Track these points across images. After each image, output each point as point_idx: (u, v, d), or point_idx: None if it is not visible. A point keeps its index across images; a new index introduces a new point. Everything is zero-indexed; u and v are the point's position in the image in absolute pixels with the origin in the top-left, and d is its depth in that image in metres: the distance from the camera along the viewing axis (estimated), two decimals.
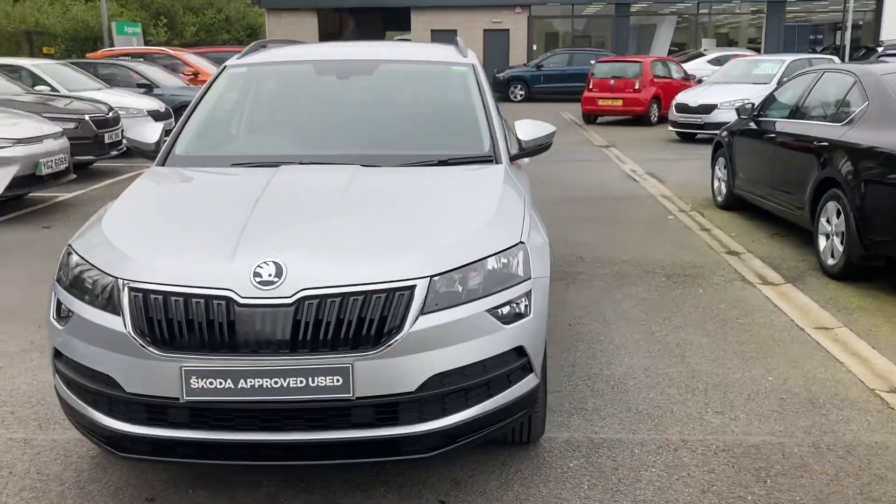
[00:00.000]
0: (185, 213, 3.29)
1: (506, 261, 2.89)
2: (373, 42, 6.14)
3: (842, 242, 5.85)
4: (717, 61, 24.50)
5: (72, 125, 10.11)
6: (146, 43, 28.45)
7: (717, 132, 9.26)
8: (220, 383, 2.58)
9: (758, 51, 30.78)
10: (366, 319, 2.60)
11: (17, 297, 5.58)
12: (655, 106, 18.78)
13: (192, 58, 19.31)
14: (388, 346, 2.60)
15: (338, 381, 2.58)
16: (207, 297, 2.60)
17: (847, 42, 28.24)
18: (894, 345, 4.67)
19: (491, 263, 2.84)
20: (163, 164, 3.87)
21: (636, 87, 18.66)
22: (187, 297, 2.62)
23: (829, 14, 36.31)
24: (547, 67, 27.90)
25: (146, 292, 2.66)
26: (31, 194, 9.08)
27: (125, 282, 2.70)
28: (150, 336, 2.62)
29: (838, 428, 3.65)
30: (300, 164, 3.67)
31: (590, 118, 19.46)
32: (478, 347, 2.74)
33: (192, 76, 17.52)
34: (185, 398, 2.60)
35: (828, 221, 6.09)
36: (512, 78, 27.94)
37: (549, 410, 3.72)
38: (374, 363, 2.60)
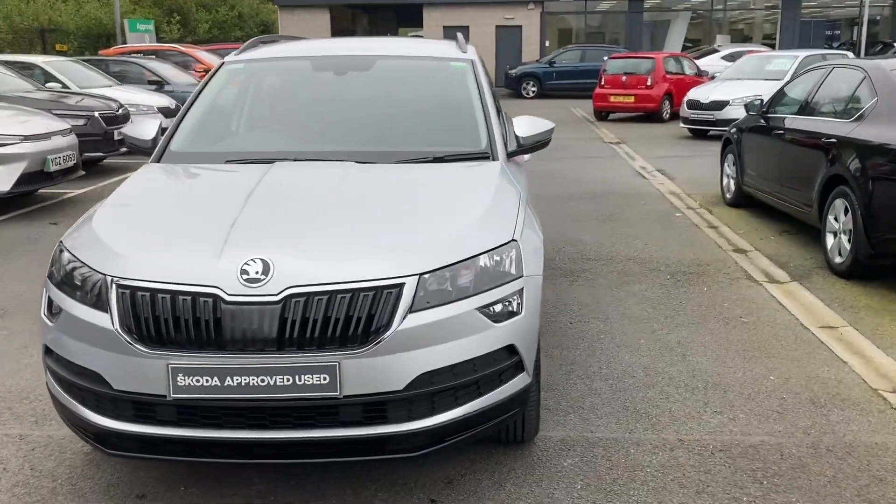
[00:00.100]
0: (175, 209, 3.29)
1: (498, 258, 2.86)
2: (373, 37, 6.11)
3: (849, 240, 5.78)
4: (732, 57, 24.20)
5: (82, 122, 10.20)
6: (159, 40, 28.56)
7: (727, 128, 9.18)
8: (207, 381, 2.57)
9: (773, 47, 30.44)
10: (353, 317, 2.58)
11: (23, 294, 5.61)
12: (667, 102, 18.63)
13: (203, 55, 19.39)
14: (376, 344, 2.58)
15: (324, 379, 2.57)
16: (194, 295, 2.59)
17: (863, 37, 27.92)
18: None
19: (483, 261, 2.82)
20: (158, 161, 3.87)
21: (648, 83, 18.53)
22: (174, 294, 2.61)
23: (846, 9, 35.87)
24: (559, 64, 27.72)
25: (134, 289, 2.65)
26: (39, 191, 9.14)
27: (113, 279, 2.70)
28: (137, 333, 2.62)
29: (839, 428, 3.59)
30: (294, 160, 3.65)
31: (601, 115, 19.35)
32: (468, 346, 2.72)
33: (204, 73, 17.56)
34: (172, 395, 2.59)
35: (835, 219, 6.02)
36: (524, 74, 27.81)
37: (545, 409, 3.70)
38: (362, 361, 2.58)
